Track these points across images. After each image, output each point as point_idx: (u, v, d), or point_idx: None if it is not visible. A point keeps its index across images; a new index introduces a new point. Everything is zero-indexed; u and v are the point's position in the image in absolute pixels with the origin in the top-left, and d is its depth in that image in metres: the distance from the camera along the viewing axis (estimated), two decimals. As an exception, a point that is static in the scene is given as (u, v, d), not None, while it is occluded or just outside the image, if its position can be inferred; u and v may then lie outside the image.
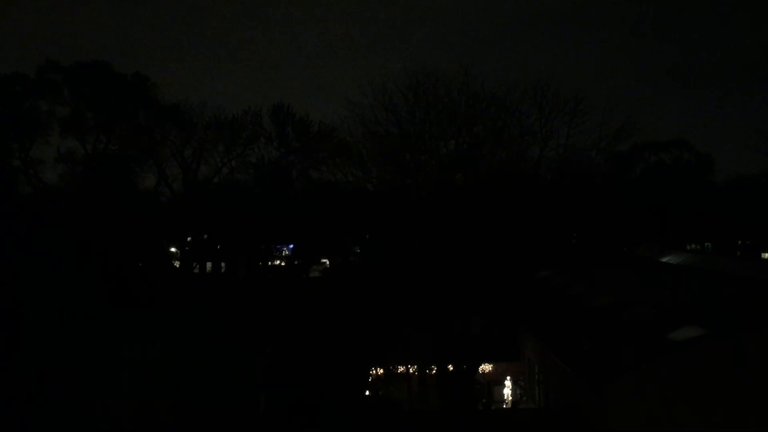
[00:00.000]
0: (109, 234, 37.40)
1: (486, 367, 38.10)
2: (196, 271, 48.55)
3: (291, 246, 53.04)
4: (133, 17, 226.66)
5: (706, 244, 70.07)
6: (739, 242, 69.79)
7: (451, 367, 35.24)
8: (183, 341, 35.55)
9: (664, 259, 37.32)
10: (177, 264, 49.87)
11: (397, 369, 36.91)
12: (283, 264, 53.52)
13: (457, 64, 78.76)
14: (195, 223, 45.37)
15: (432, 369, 36.19)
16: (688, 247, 62.25)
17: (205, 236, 48.49)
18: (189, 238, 48.68)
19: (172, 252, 52.81)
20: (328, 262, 52.84)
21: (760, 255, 66.31)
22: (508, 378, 38.48)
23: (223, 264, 50.33)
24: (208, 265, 50.29)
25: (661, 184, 58.27)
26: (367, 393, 36.28)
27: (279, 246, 53.80)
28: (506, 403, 38.12)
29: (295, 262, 49.81)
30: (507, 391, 38.32)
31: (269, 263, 50.83)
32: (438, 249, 35.28)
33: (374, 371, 36.93)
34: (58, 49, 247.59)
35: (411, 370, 36.93)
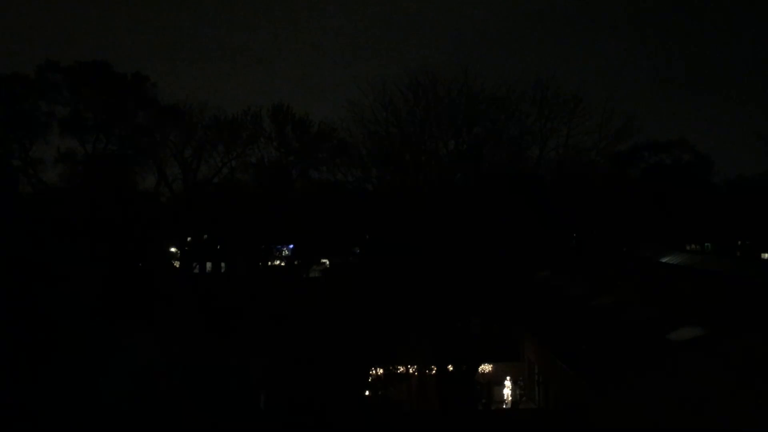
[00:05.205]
0: (108, 234, 37.39)
1: (486, 368, 38.15)
2: (196, 271, 48.55)
3: (291, 246, 53.00)
4: (133, 17, 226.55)
5: (706, 244, 70.05)
6: (739, 242, 69.77)
7: (451, 367, 35.25)
8: (182, 341, 35.55)
9: (664, 259, 37.31)
10: (177, 264, 49.83)
11: (397, 369, 36.94)
12: (283, 264, 53.47)
13: (457, 64, 79.26)
14: (195, 223, 45.35)
15: (432, 369, 36.19)
16: (688, 247, 62.22)
17: (205, 236, 48.47)
18: (189, 238, 48.64)
19: (172, 252, 52.80)
20: (328, 262, 52.81)
21: (760, 255, 66.29)
22: (508, 378, 38.53)
23: (223, 264, 50.32)
24: (208, 265, 50.28)
25: (661, 184, 58.23)
26: (367, 393, 36.29)
27: (279, 246, 53.76)
28: (506, 403, 38.17)
29: (295, 262, 49.76)
30: (507, 391, 38.37)
31: (269, 263, 50.80)
32: (438, 249, 35.26)
33: (374, 371, 36.95)
34: (58, 49, 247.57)
35: (411, 370, 36.94)
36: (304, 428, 30.04)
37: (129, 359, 31.83)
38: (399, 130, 39.54)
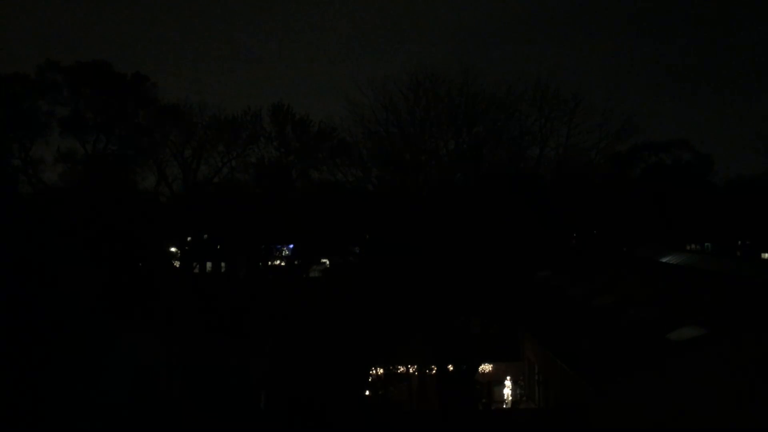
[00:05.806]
0: (108, 234, 37.41)
1: (486, 367, 38.13)
2: (196, 271, 48.58)
3: (291, 246, 53.04)
4: (133, 17, 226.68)
5: (706, 244, 70.10)
6: (739, 242, 69.82)
7: (451, 367, 35.25)
8: (182, 341, 35.59)
9: (664, 259, 37.32)
10: (177, 264, 49.86)
11: (397, 369, 36.96)
12: (283, 264, 53.51)
13: (457, 64, 79.21)
14: (195, 223, 45.35)
15: (432, 369, 36.20)
16: (688, 247, 62.26)
17: (205, 236, 48.49)
18: (189, 238, 48.66)
19: (172, 252, 52.83)
20: (328, 262, 52.83)
21: (760, 255, 66.34)
22: (508, 378, 38.52)
23: (223, 264, 50.36)
24: (208, 265, 50.33)
25: (661, 184, 58.27)
26: (367, 393, 36.31)
27: (279, 246, 53.80)
28: (506, 403, 38.15)
29: (295, 262, 49.78)
30: (507, 391, 38.36)
31: (269, 263, 50.83)
32: (438, 249, 35.27)
33: (374, 371, 36.97)
34: (58, 49, 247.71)
35: (411, 370, 36.95)
36: (304, 428, 30.04)
37: (129, 359, 31.85)
38: (399, 130, 39.50)
